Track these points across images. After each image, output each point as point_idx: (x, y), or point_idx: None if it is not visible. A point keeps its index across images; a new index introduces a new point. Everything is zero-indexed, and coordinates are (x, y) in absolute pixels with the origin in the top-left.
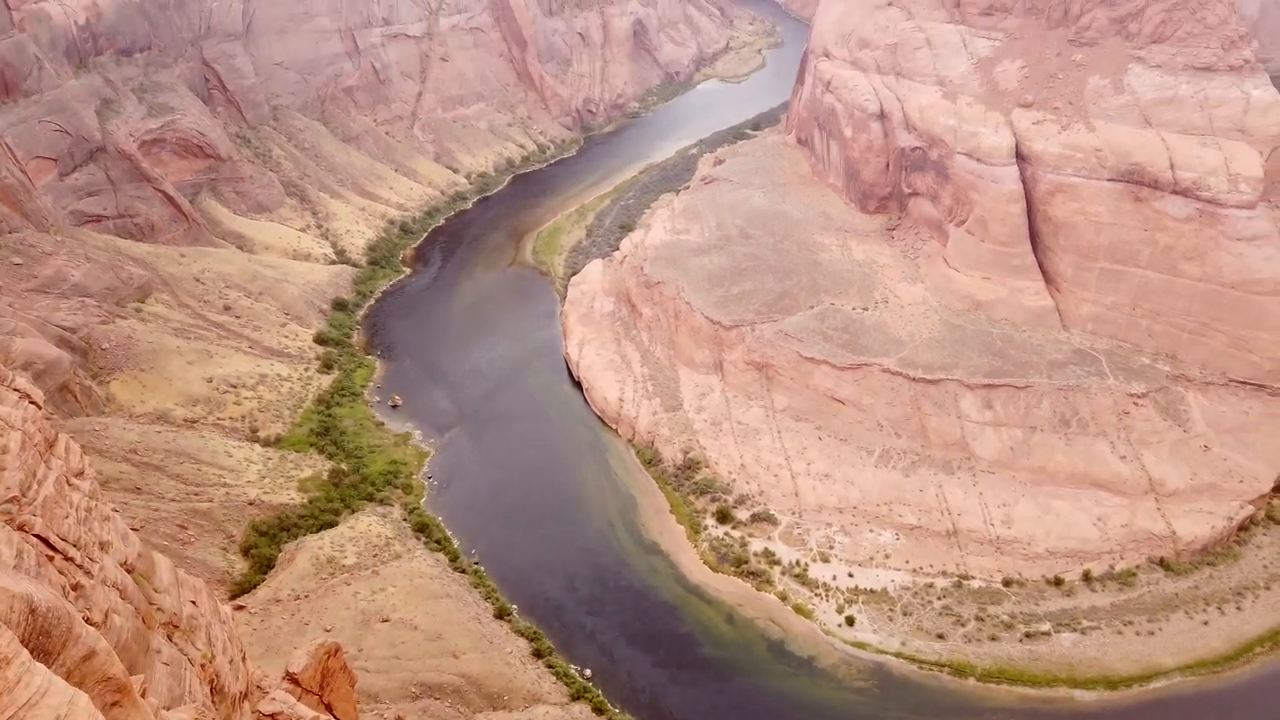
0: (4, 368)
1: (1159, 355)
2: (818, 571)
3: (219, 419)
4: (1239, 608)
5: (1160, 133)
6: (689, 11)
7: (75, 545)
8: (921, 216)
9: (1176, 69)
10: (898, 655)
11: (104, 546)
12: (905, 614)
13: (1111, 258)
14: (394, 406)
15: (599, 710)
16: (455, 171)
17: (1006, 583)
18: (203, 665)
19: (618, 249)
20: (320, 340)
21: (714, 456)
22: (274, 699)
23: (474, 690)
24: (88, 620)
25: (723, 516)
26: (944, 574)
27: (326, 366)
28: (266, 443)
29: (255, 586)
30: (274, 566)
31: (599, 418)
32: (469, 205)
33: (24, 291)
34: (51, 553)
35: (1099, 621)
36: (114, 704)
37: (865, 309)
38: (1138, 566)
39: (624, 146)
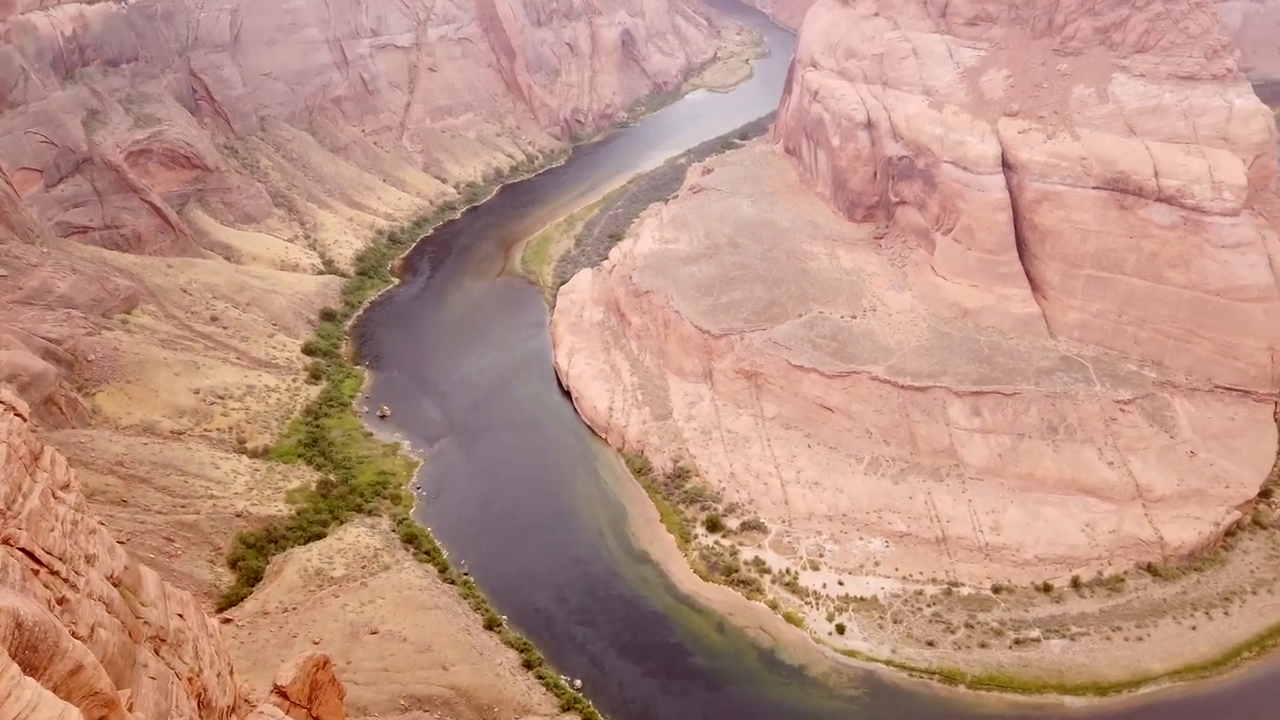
0: None
1: (1145, 362)
2: (808, 579)
3: (206, 430)
4: (1226, 613)
5: (1144, 141)
6: (677, 22)
7: (61, 559)
8: (909, 225)
9: (1160, 78)
10: (888, 663)
11: (90, 560)
12: (895, 621)
13: (1097, 265)
14: (382, 417)
15: None
16: (444, 181)
17: (996, 589)
18: (190, 679)
19: (606, 258)
20: (308, 351)
21: (704, 465)
22: (262, 713)
23: (464, 702)
24: (74, 634)
25: (713, 525)
26: (933, 581)
27: (314, 377)
28: (254, 454)
29: (243, 599)
30: (261, 579)
31: (588, 427)
32: (458, 215)
33: (9, 303)
34: (37, 566)
35: (1088, 627)
36: (101, 718)
37: (854, 317)
38: (1126, 572)
39: (612, 156)
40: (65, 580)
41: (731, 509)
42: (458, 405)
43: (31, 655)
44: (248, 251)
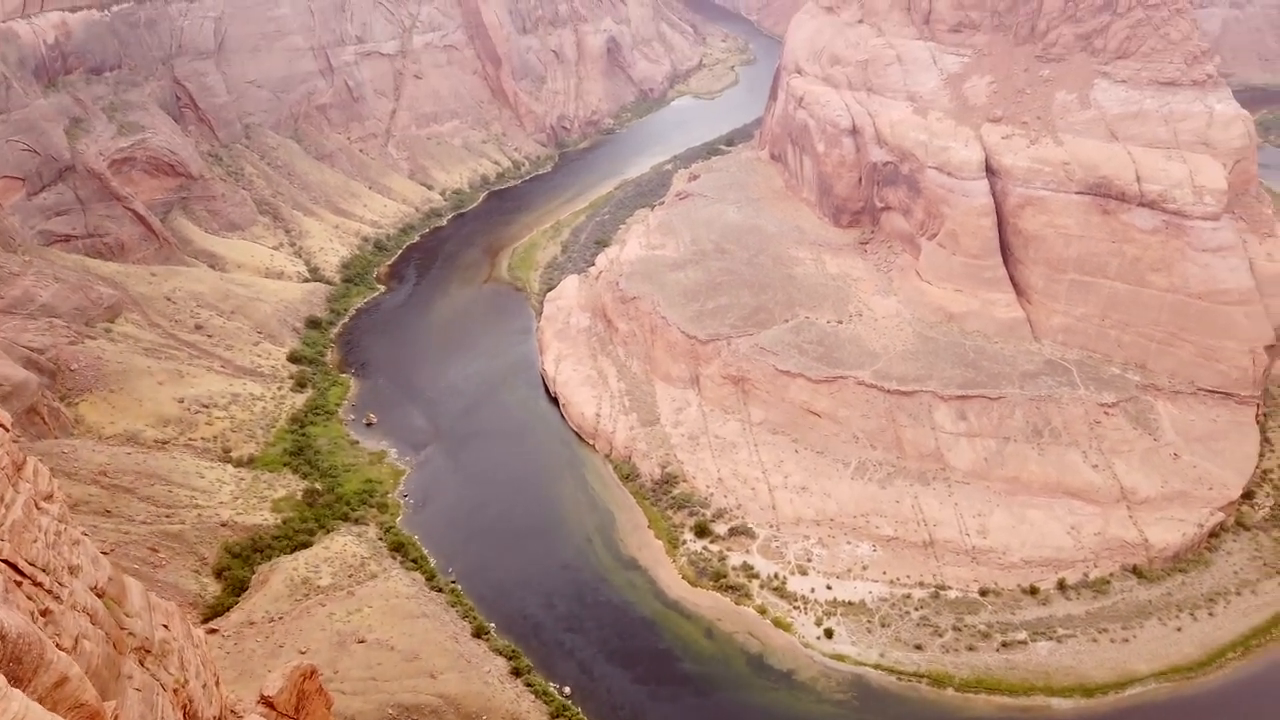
0: None
1: (1128, 365)
2: (796, 584)
3: (190, 439)
4: (1211, 614)
5: (1126, 146)
6: (662, 29)
7: (44, 570)
8: (894, 230)
9: (1141, 84)
10: (876, 667)
11: (74, 571)
12: (883, 625)
13: (1081, 269)
14: (369, 425)
15: None
16: (430, 188)
17: (983, 592)
18: (175, 690)
19: (593, 265)
20: (294, 359)
21: (691, 471)
22: None
23: (452, 711)
24: (58, 646)
25: (701, 531)
26: (921, 585)
27: (300, 385)
28: (239, 463)
29: (228, 609)
30: (247, 588)
31: (576, 433)
32: (444, 222)
33: None
34: (20, 578)
35: (1074, 629)
36: None
37: (840, 322)
38: (1111, 574)
39: (599, 163)
40: (49, 592)
41: (719, 514)
42: (445, 412)
43: (16, 667)
44: (232, 259)
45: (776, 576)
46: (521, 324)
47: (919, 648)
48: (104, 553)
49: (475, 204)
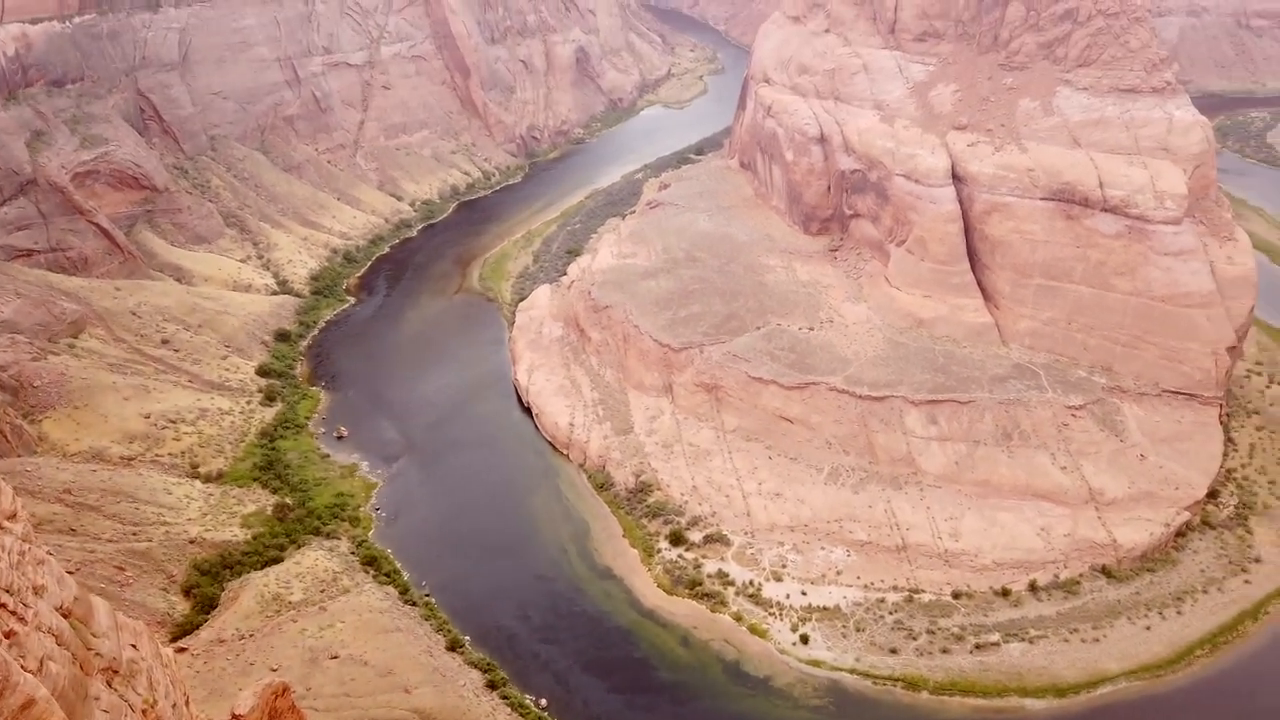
0: None
1: (1095, 368)
2: (771, 590)
3: (158, 456)
4: (1179, 612)
5: (1089, 153)
6: (631, 39)
7: (8, 591)
8: (863, 237)
9: (1103, 91)
10: (852, 671)
11: (39, 591)
12: (858, 630)
13: (1047, 274)
14: (339, 438)
15: None
16: (399, 199)
17: (956, 595)
18: (144, 711)
19: (565, 274)
20: (262, 372)
21: (666, 479)
22: None
23: None
24: (23, 668)
25: (676, 539)
26: (895, 589)
27: (269, 399)
28: (208, 479)
29: (198, 627)
30: (217, 606)
31: (549, 443)
32: (414, 233)
33: None
34: None
35: (1046, 630)
36: None
37: (811, 329)
38: (1081, 575)
39: (569, 172)
40: (13, 613)
41: (694, 522)
42: (416, 424)
43: None
44: (199, 273)
45: (752, 583)
46: (493, 334)
47: (894, 651)
48: (70, 572)
49: (445, 215)
